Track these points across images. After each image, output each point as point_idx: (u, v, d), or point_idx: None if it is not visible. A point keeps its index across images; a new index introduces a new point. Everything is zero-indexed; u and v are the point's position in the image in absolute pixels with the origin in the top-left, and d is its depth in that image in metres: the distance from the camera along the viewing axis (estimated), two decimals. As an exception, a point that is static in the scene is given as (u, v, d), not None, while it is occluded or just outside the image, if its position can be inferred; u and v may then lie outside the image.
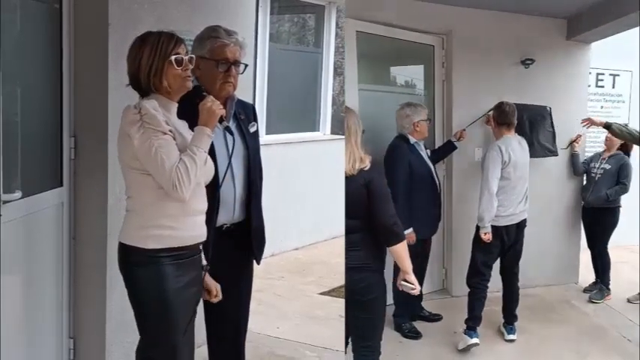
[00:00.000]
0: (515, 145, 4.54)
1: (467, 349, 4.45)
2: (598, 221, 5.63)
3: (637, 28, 5.25)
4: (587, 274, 5.92)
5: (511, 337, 4.68)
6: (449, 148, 5.23)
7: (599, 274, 5.68)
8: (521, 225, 4.62)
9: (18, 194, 3.05)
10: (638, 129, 5.24)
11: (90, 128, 3.44)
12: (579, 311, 5.38)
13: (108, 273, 3.40)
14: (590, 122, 5.49)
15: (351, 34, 5.01)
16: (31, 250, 3.24)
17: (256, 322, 3.68)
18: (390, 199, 3.15)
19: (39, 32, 3.38)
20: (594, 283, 5.76)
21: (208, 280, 2.73)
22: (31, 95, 3.30)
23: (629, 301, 5.52)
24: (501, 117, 4.58)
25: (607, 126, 5.23)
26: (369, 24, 5.06)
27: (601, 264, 5.66)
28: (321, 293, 5.77)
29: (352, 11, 5.05)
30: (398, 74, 6.06)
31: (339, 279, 5.96)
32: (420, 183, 4.62)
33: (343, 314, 5.01)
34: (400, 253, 3.10)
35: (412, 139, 4.70)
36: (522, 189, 4.57)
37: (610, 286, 5.64)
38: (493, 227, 4.44)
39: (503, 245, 4.55)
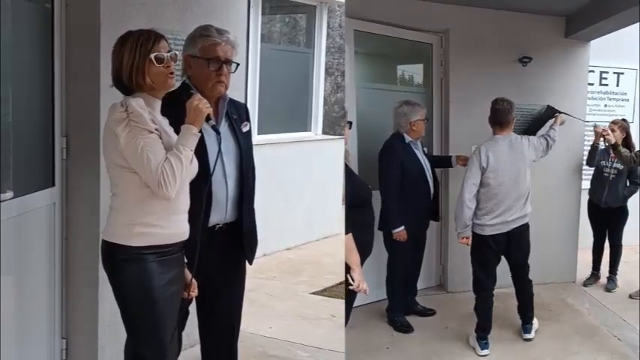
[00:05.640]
0: (502, 147, 4.27)
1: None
2: (614, 219, 5.74)
3: (637, 25, 5.24)
4: (585, 272, 6.04)
5: (527, 335, 4.59)
6: (446, 162, 5.19)
7: (613, 265, 5.88)
8: (512, 234, 4.34)
9: (10, 194, 3.04)
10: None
11: (82, 128, 3.44)
12: (573, 309, 5.39)
13: (100, 273, 3.36)
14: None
15: (348, 32, 5.04)
16: (23, 250, 3.23)
17: (248, 322, 3.67)
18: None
19: (30, 32, 3.37)
20: (592, 276, 5.99)
21: (188, 275, 2.72)
22: (22, 95, 3.29)
23: (631, 297, 5.62)
24: (493, 116, 4.34)
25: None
26: (368, 23, 5.10)
27: (617, 254, 5.85)
28: (313, 293, 5.77)
29: (351, 11, 5.07)
30: (400, 72, 6.13)
31: (330, 279, 5.98)
32: (412, 182, 4.65)
33: (335, 314, 5.07)
34: (345, 245, 3.21)
35: (407, 138, 4.71)
36: (509, 196, 4.28)
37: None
38: (478, 236, 4.31)
39: (495, 253, 4.37)
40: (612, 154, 5.54)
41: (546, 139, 4.62)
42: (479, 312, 4.44)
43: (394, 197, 4.56)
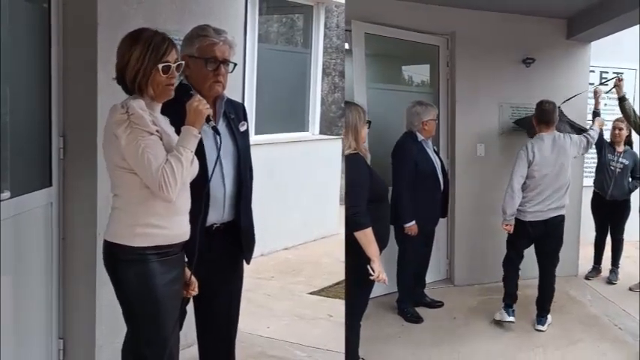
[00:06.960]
0: (546, 143, 4.61)
1: (500, 324, 4.78)
2: (618, 212, 5.91)
3: (636, 27, 5.32)
4: (586, 266, 6.20)
5: (540, 327, 4.80)
6: None
7: (615, 258, 6.02)
8: (550, 222, 4.67)
9: (7, 194, 3.04)
10: None
11: (79, 128, 3.44)
12: (576, 301, 5.52)
13: (97, 273, 3.39)
14: (618, 84, 5.48)
15: (358, 35, 5.13)
16: (21, 250, 3.23)
17: (246, 322, 3.68)
18: (354, 191, 3.40)
19: (27, 32, 3.37)
20: (593, 270, 6.16)
21: (187, 274, 2.72)
22: (20, 95, 3.29)
23: (630, 289, 5.75)
24: (541, 115, 4.69)
25: (622, 98, 5.41)
26: (376, 26, 5.22)
27: (618, 249, 6.01)
28: (311, 293, 5.78)
29: (356, 14, 5.13)
30: (406, 73, 6.23)
31: (328, 279, 5.99)
32: (424, 179, 4.81)
33: (332, 314, 5.07)
34: (361, 239, 3.32)
35: (420, 137, 4.86)
36: (550, 187, 4.62)
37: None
38: (518, 220, 4.63)
39: (530, 238, 4.72)
40: (618, 149, 5.82)
41: (586, 137, 4.93)
42: (507, 282, 4.83)
43: (407, 193, 4.71)
